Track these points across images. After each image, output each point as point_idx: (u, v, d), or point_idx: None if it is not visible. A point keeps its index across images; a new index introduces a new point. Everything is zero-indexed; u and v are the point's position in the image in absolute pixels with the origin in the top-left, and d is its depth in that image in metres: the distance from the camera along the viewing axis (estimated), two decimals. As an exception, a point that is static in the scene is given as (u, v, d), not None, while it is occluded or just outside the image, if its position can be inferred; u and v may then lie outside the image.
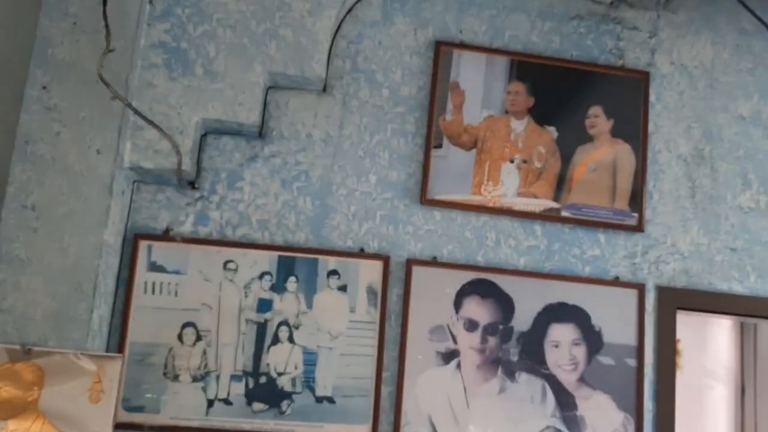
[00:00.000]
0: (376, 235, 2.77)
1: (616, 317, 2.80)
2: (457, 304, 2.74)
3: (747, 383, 3.48)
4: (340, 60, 2.88)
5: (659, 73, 3.04)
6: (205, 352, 2.59)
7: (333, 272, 2.70)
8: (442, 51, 2.91)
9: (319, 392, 2.62)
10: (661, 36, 3.07)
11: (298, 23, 2.75)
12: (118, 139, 2.51)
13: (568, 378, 2.74)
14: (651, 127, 2.99)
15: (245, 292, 2.65)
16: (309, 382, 2.62)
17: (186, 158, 2.60)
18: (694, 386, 3.47)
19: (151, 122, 2.50)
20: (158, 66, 2.67)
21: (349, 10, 2.90)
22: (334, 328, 2.66)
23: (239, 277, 2.66)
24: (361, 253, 2.73)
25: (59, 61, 2.52)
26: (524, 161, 2.88)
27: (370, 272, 2.71)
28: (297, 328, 2.65)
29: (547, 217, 2.86)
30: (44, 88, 2.50)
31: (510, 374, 2.71)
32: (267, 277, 2.67)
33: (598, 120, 2.95)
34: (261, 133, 2.78)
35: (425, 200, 2.80)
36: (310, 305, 2.67)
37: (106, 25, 2.44)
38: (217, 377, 2.59)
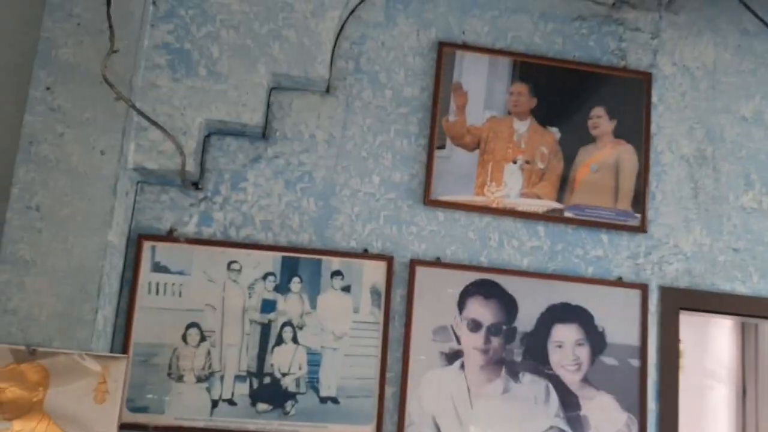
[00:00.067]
0: (379, 236, 2.77)
1: (619, 318, 2.81)
2: (461, 305, 2.74)
3: (748, 384, 3.47)
4: (343, 61, 2.88)
5: (661, 74, 3.05)
6: (209, 353, 2.60)
7: (337, 273, 2.70)
8: (444, 52, 2.91)
9: (323, 393, 2.62)
10: (663, 37, 3.08)
11: (301, 24, 2.76)
12: (122, 139, 2.52)
13: (571, 378, 2.74)
14: (653, 128, 3.00)
15: (249, 293, 2.65)
16: (313, 383, 2.62)
17: (190, 159, 2.60)
18: (695, 387, 3.46)
19: (154, 123, 2.50)
20: (162, 67, 2.67)
21: (352, 11, 2.90)
22: (337, 328, 2.67)
23: (243, 278, 2.66)
24: (365, 254, 2.74)
25: (63, 62, 2.52)
26: (527, 162, 2.89)
27: (373, 273, 2.72)
28: (301, 328, 2.65)
29: (550, 217, 2.86)
30: (48, 89, 2.51)
31: (514, 374, 2.71)
32: (271, 278, 2.67)
33: (600, 121, 2.96)
34: (264, 134, 2.79)
35: (428, 201, 2.80)
36: (313, 306, 2.67)
37: (110, 26, 2.44)
38: (222, 378, 2.59)
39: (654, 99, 3.02)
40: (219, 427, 2.56)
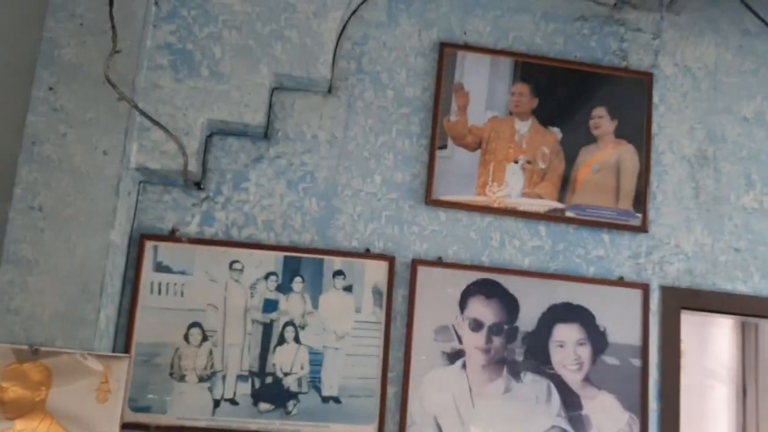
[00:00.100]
0: (381, 236, 2.78)
1: (620, 317, 2.81)
2: (462, 305, 2.75)
3: (748, 383, 3.48)
4: (345, 61, 2.88)
5: (663, 75, 3.05)
6: (211, 353, 2.60)
7: (338, 273, 2.71)
8: (446, 52, 2.92)
9: (325, 392, 2.62)
10: (664, 37, 3.09)
11: (303, 25, 2.76)
12: (125, 140, 2.52)
13: (573, 378, 2.74)
14: (654, 128, 3.00)
15: (251, 293, 2.66)
16: (315, 382, 2.62)
17: (192, 159, 2.61)
18: (696, 387, 3.47)
19: (157, 123, 2.51)
20: (164, 67, 2.67)
21: (354, 12, 2.91)
22: (339, 328, 2.67)
23: (245, 278, 2.66)
24: (367, 254, 2.74)
25: (66, 63, 2.53)
26: (528, 162, 2.89)
27: (375, 273, 2.72)
28: (303, 328, 2.66)
29: (552, 217, 2.86)
30: (51, 89, 2.51)
31: (515, 374, 2.72)
32: (273, 278, 2.67)
33: (601, 121, 2.96)
34: (266, 134, 2.79)
35: (430, 201, 2.81)
36: (315, 305, 2.67)
37: (113, 27, 2.44)
38: (224, 377, 2.59)
39: (655, 99, 3.02)
40: (221, 426, 2.56)
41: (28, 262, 2.40)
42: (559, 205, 2.87)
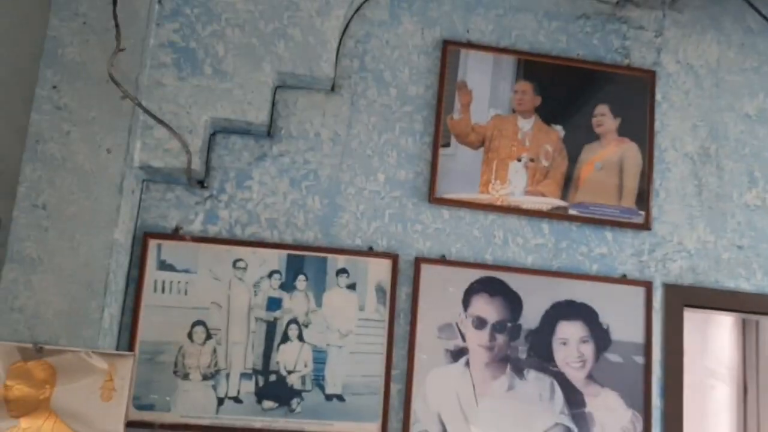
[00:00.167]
0: (384, 234, 2.78)
1: (623, 315, 2.82)
2: (466, 302, 2.75)
3: (749, 382, 3.48)
4: (348, 59, 2.89)
5: (665, 72, 3.06)
6: (215, 351, 2.60)
7: (342, 271, 2.71)
8: (449, 50, 2.92)
9: (329, 390, 2.62)
10: (666, 35, 3.09)
11: (306, 23, 2.76)
12: (128, 138, 2.52)
13: (576, 375, 2.75)
14: (657, 126, 3.00)
15: (255, 291, 2.66)
16: (319, 380, 2.63)
17: (195, 157, 2.61)
18: (696, 386, 3.47)
19: (160, 121, 2.51)
20: (167, 66, 2.67)
21: (357, 10, 2.91)
22: (343, 326, 2.67)
23: (248, 276, 2.67)
24: (370, 252, 2.74)
25: (69, 61, 2.53)
26: (531, 160, 2.89)
27: (378, 271, 2.72)
28: (306, 326, 2.66)
29: (555, 215, 2.87)
30: (54, 87, 2.51)
31: (518, 372, 2.72)
32: (276, 276, 2.68)
33: (604, 119, 2.96)
34: (270, 132, 2.79)
35: (433, 199, 2.81)
36: (319, 303, 2.68)
37: (116, 25, 2.45)
38: (227, 375, 2.59)
39: (658, 97, 3.02)
40: (225, 424, 2.56)
41: (32, 260, 2.40)
42: (562, 203, 2.88)
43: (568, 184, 2.89)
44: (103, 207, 2.47)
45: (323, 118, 2.83)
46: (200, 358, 2.59)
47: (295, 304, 2.67)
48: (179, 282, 2.63)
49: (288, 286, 2.68)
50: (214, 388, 2.58)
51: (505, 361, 2.73)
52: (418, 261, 2.75)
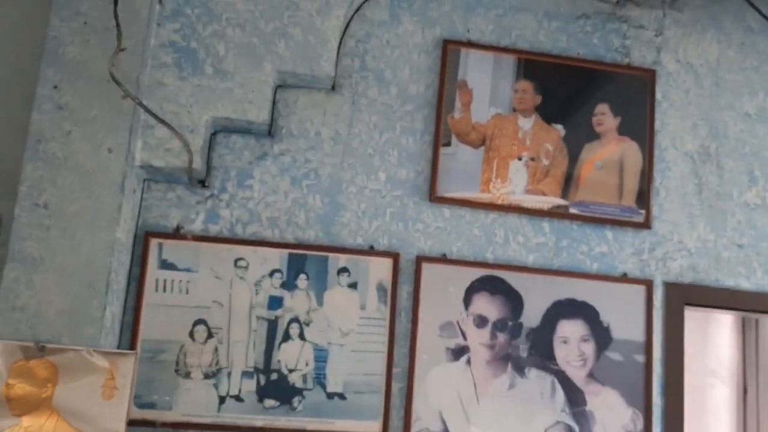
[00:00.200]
0: (385, 233, 2.79)
1: (624, 313, 2.82)
2: (467, 301, 2.75)
3: (749, 382, 3.48)
4: (349, 59, 2.89)
5: (665, 71, 3.06)
6: (216, 349, 2.61)
7: (343, 269, 2.71)
8: (449, 50, 2.93)
9: (330, 389, 2.63)
10: (666, 34, 3.09)
11: (306, 22, 2.77)
12: (129, 137, 2.53)
13: (577, 374, 2.75)
14: (657, 125, 3.01)
15: (256, 290, 2.66)
16: (320, 379, 2.63)
17: (196, 157, 2.61)
18: (697, 385, 3.47)
19: (161, 121, 2.51)
20: (168, 65, 2.68)
21: (357, 10, 2.91)
22: (344, 325, 2.68)
23: (250, 275, 2.67)
24: (371, 251, 2.75)
25: (70, 61, 2.53)
26: (532, 159, 2.90)
27: (380, 269, 2.73)
28: (308, 325, 2.66)
29: (555, 214, 2.87)
30: (55, 87, 2.51)
31: (519, 370, 2.72)
32: (277, 275, 2.68)
33: (604, 118, 2.97)
34: (270, 131, 2.80)
35: (434, 198, 2.81)
36: (320, 302, 2.68)
37: (117, 25, 2.45)
38: (229, 374, 2.60)
39: (658, 96, 3.03)
40: (226, 423, 2.56)
41: (33, 259, 2.41)
42: (562, 202, 2.88)
43: (568, 182, 2.90)
44: (105, 206, 2.47)
45: (324, 117, 2.84)
46: (201, 356, 2.59)
47: (297, 302, 2.67)
48: (180, 281, 2.64)
49: (289, 284, 2.68)
50: (216, 386, 2.59)
51: (506, 360, 2.73)
52: (419, 260, 2.75)
